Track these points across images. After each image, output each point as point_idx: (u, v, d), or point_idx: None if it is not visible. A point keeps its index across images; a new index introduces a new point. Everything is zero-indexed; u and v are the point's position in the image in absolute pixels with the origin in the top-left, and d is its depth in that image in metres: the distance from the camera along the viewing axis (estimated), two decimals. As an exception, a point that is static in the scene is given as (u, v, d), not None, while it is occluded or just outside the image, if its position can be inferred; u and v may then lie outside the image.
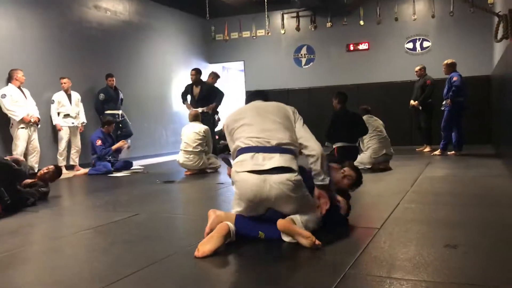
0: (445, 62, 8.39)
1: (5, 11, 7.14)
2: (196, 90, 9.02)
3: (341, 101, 6.51)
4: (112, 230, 3.53)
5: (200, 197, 5.33)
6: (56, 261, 2.86)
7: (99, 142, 7.50)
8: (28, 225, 3.87)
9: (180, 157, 6.91)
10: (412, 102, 9.04)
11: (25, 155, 6.92)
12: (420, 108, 8.89)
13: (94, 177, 7.11)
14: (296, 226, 2.78)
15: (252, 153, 2.82)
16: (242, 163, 2.82)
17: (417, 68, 9.14)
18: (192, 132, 6.90)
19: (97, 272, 2.54)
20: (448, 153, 8.17)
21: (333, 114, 6.59)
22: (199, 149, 6.84)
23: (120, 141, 7.87)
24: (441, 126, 8.33)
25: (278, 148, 2.83)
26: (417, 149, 9.26)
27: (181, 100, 9.24)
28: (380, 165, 6.49)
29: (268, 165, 2.75)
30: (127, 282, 2.33)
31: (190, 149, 6.81)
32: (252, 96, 3.39)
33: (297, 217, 2.85)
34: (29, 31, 7.50)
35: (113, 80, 8.55)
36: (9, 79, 6.87)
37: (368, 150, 6.58)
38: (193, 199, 5.29)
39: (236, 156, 2.91)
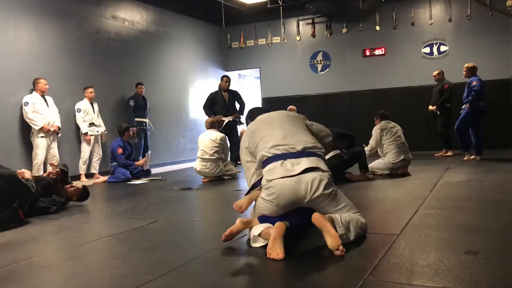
0: (466, 65, 8.30)
1: (27, 23, 7.31)
2: (226, 96, 9.03)
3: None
4: (131, 237, 3.56)
5: (218, 204, 5.35)
6: (77, 268, 2.90)
7: (120, 151, 7.57)
8: (49, 232, 3.94)
9: (197, 165, 6.96)
10: (430, 107, 8.97)
11: (44, 163, 7.04)
12: (438, 112, 8.81)
13: (113, 185, 7.19)
14: (328, 223, 2.75)
15: (280, 161, 2.92)
16: (272, 171, 2.91)
17: (435, 72, 9.08)
18: (208, 139, 6.94)
19: (117, 279, 2.57)
20: (465, 158, 8.05)
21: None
22: (215, 157, 6.87)
23: (143, 159, 7.87)
24: (455, 128, 8.23)
25: (304, 153, 2.95)
26: (435, 154, 9.16)
27: (207, 113, 8.89)
28: (398, 171, 6.44)
29: (298, 170, 2.86)
30: (146, 288, 2.36)
31: (207, 156, 6.85)
32: (256, 112, 3.56)
33: (337, 216, 2.86)
34: (49, 42, 7.65)
35: (142, 88, 8.74)
36: (34, 87, 7.03)
37: (386, 155, 6.53)
38: (211, 206, 5.31)
39: (263, 166, 3.01)
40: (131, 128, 7.95)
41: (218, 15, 10.62)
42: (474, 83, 7.97)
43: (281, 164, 2.90)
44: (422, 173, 6.54)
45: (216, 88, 10.02)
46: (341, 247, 2.67)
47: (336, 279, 2.39)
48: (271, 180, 2.89)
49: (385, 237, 3.09)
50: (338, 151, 5.88)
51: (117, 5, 9.12)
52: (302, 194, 2.85)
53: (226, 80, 9.03)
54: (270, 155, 2.98)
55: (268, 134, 3.11)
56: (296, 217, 2.98)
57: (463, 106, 8.14)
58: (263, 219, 3.01)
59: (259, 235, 2.92)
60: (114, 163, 7.63)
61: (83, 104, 7.80)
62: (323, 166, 2.96)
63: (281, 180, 2.85)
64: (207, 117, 8.28)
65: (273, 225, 2.86)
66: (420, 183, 5.64)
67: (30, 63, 7.28)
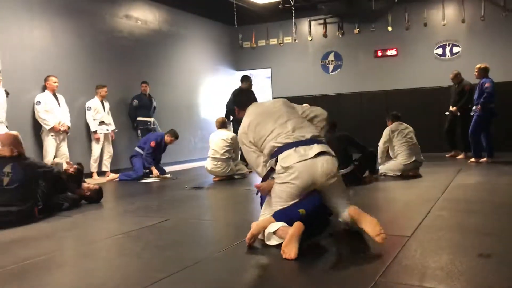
0: (478, 66, 8.20)
1: (42, 22, 7.38)
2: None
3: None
4: (143, 235, 3.59)
5: (229, 203, 5.37)
6: (89, 265, 2.93)
7: (153, 144, 7.58)
8: (62, 229, 3.98)
9: (208, 164, 6.98)
10: (451, 108, 8.88)
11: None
12: (458, 114, 8.72)
13: (125, 183, 7.23)
14: (365, 213, 2.97)
15: (293, 148, 3.06)
16: (287, 157, 3.05)
17: (452, 74, 8.96)
18: (219, 139, 6.96)
19: (129, 277, 2.60)
20: (480, 160, 7.98)
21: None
22: (226, 156, 6.89)
23: (158, 174, 7.64)
24: (469, 132, 8.13)
25: (314, 140, 3.14)
26: (447, 155, 9.08)
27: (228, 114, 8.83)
28: (410, 172, 6.41)
29: (311, 153, 3.04)
30: (158, 286, 2.38)
31: (218, 156, 6.87)
32: (243, 100, 3.64)
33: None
34: (63, 41, 7.72)
35: (146, 87, 8.74)
36: (45, 85, 7.12)
37: (398, 157, 6.50)
38: (222, 205, 5.33)
39: (274, 156, 3.12)
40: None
41: (230, 15, 10.64)
42: (487, 85, 7.87)
43: (294, 150, 3.05)
44: (434, 174, 6.50)
45: (228, 88, 10.08)
46: (382, 231, 2.81)
47: (348, 281, 2.39)
48: (287, 167, 3.02)
49: (397, 239, 3.08)
50: (352, 166, 5.83)
51: (130, 4, 9.18)
52: (319, 173, 3.02)
53: (251, 80, 8.98)
54: (281, 145, 3.11)
55: (275, 129, 3.22)
56: (308, 203, 3.04)
57: (474, 108, 8.04)
58: (279, 214, 3.01)
59: (274, 233, 2.94)
60: (136, 156, 7.68)
61: (94, 103, 7.86)
62: (331, 151, 3.17)
63: (296, 164, 3.01)
64: (217, 117, 8.28)
65: (289, 223, 2.89)
66: (431, 185, 5.61)
67: (43, 61, 7.35)
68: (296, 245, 2.73)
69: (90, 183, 5.36)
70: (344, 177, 5.00)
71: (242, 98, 3.70)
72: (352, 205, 3.13)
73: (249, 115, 3.41)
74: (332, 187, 3.10)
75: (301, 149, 3.06)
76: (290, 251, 2.70)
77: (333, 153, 3.17)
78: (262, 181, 3.27)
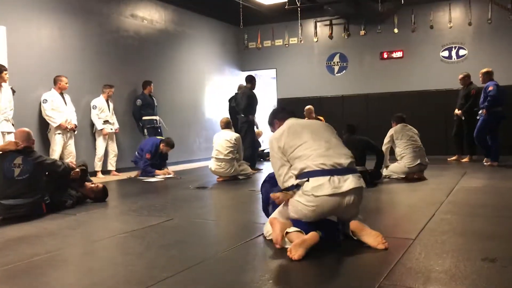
0: (482, 70, 8.19)
1: (49, 21, 7.42)
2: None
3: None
4: (147, 234, 3.60)
5: (232, 203, 5.37)
6: (93, 263, 2.94)
7: (148, 156, 7.64)
8: (67, 227, 3.99)
9: (212, 165, 6.99)
10: (456, 111, 8.83)
11: (61, 159, 7.13)
12: (463, 118, 8.66)
13: (128, 182, 7.25)
14: (366, 226, 3.05)
15: (328, 177, 2.95)
16: (320, 187, 2.93)
17: (461, 76, 8.91)
18: (223, 139, 6.96)
19: (132, 276, 2.60)
20: (485, 163, 7.95)
21: None
22: (230, 157, 6.89)
23: (164, 171, 7.79)
24: (474, 136, 8.09)
25: (349, 169, 3.05)
26: (448, 159, 9.03)
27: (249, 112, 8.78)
28: (414, 175, 6.39)
29: (345, 187, 2.95)
30: (162, 286, 2.38)
31: (222, 156, 6.87)
32: (284, 113, 3.54)
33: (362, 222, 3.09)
34: (70, 39, 7.75)
35: (151, 87, 8.77)
36: (54, 84, 7.13)
37: (402, 159, 6.48)
38: (225, 205, 5.33)
39: (306, 177, 2.99)
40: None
41: (236, 15, 10.65)
42: (490, 88, 7.82)
43: (329, 180, 2.94)
44: (439, 177, 6.48)
45: (233, 88, 10.05)
46: (384, 240, 2.90)
47: (352, 283, 2.38)
48: (317, 197, 2.93)
49: (401, 242, 3.07)
50: (365, 168, 5.92)
51: (136, 4, 9.21)
52: (343, 207, 2.99)
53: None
54: (317, 168, 2.99)
55: (308, 141, 3.12)
56: (327, 228, 3.07)
57: (480, 112, 8.01)
58: (296, 222, 3.04)
59: (287, 234, 2.93)
60: (137, 158, 7.80)
61: (99, 102, 7.89)
62: (363, 183, 3.10)
63: (327, 197, 2.93)
64: (222, 117, 8.28)
65: (305, 232, 2.91)
66: (436, 188, 5.59)
67: (51, 60, 7.38)
68: (304, 250, 2.74)
69: (95, 184, 5.36)
70: None
71: (280, 112, 3.62)
72: (356, 218, 3.13)
73: (289, 123, 3.34)
74: (348, 213, 3.09)
75: (335, 179, 2.95)
76: (296, 252, 2.71)
77: (363, 183, 3.10)
78: (279, 191, 3.20)
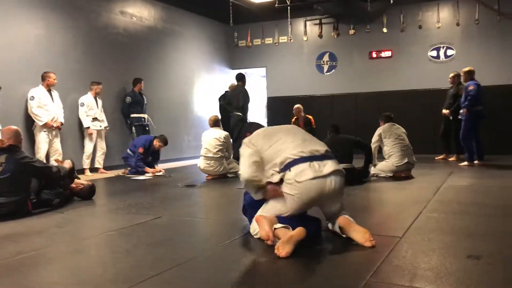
0: (464, 69, 8.21)
1: (35, 16, 7.34)
2: None
3: None
4: (135, 232, 3.59)
5: (221, 201, 5.37)
6: (80, 261, 2.92)
7: (141, 150, 7.59)
8: (54, 225, 3.96)
9: (201, 163, 6.97)
10: (444, 111, 8.85)
11: (47, 157, 7.08)
12: (451, 117, 8.69)
13: (117, 179, 7.22)
14: (354, 223, 3.08)
15: (308, 163, 3.03)
16: (302, 173, 3.00)
17: (451, 75, 8.91)
18: (212, 138, 6.95)
19: (120, 273, 2.59)
20: (473, 163, 8.00)
21: None
22: (219, 155, 6.88)
23: (155, 170, 7.74)
24: (460, 137, 8.11)
25: (327, 156, 3.16)
26: (436, 158, 9.10)
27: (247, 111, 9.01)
28: (402, 173, 6.44)
29: (326, 170, 3.04)
30: (149, 284, 2.37)
31: (211, 154, 6.86)
32: (255, 126, 3.79)
33: (350, 218, 3.13)
34: (57, 35, 7.68)
35: (141, 85, 8.73)
36: (42, 81, 7.06)
37: (390, 158, 6.53)
38: (214, 204, 5.33)
39: (288, 167, 3.05)
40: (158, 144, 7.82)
41: (226, 13, 10.63)
42: (470, 88, 7.81)
43: (309, 165, 3.02)
44: (426, 176, 6.54)
45: (223, 86, 10.01)
46: (371, 238, 2.92)
47: (339, 281, 2.40)
48: (300, 182, 2.98)
49: (388, 239, 3.10)
50: (352, 166, 5.98)
51: (125, 0, 9.15)
52: (325, 192, 3.03)
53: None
54: (297, 157, 3.07)
55: (284, 138, 3.22)
56: (310, 226, 3.09)
57: (461, 111, 8.02)
58: (282, 219, 3.06)
59: (274, 230, 2.95)
60: (128, 155, 7.77)
61: (87, 99, 7.83)
62: (342, 170, 3.20)
63: (310, 181, 2.99)
64: (211, 115, 8.26)
65: (292, 228, 2.93)
66: (423, 187, 5.64)
67: (37, 56, 7.31)
68: (292, 246, 2.75)
69: (83, 182, 5.31)
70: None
71: (254, 126, 3.77)
72: (344, 214, 3.16)
73: (261, 129, 3.48)
74: (330, 203, 3.14)
75: (315, 164, 3.03)
76: (283, 249, 2.72)
77: (343, 171, 3.19)
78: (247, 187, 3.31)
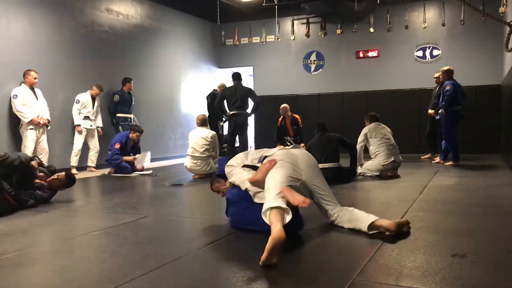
0: (443, 68, 8.19)
1: (19, 13, 7.23)
2: None
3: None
4: (121, 232, 3.55)
5: (208, 201, 5.34)
6: (65, 261, 2.88)
7: (117, 146, 7.52)
8: (38, 225, 3.91)
9: (188, 162, 6.94)
10: (429, 111, 8.80)
11: (34, 156, 6.98)
12: (437, 117, 8.70)
13: (103, 179, 7.15)
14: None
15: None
16: (284, 148, 3.58)
17: (436, 74, 8.88)
18: (199, 137, 6.93)
19: (106, 273, 2.56)
20: (446, 163, 8.00)
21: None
22: (206, 154, 6.86)
23: (132, 157, 7.66)
24: (444, 138, 8.13)
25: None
26: (422, 157, 9.16)
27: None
28: (388, 173, 6.48)
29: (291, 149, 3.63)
30: (136, 283, 2.35)
31: (197, 154, 6.83)
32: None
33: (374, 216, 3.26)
34: (42, 33, 7.59)
35: (131, 85, 8.68)
36: (23, 79, 6.97)
37: (376, 157, 6.57)
38: (201, 203, 5.31)
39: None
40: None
41: (213, 11, 10.60)
42: (447, 88, 7.75)
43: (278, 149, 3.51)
44: (412, 175, 6.59)
45: (210, 85, 9.94)
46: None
47: (325, 279, 2.40)
48: (270, 155, 3.44)
49: (374, 238, 3.11)
50: (339, 164, 6.08)
51: (111, -2, 9.07)
52: (305, 159, 3.39)
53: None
54: (270, 153, 3.52)
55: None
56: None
57: (439, 111, 8.02)
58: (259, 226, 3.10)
59: (271, 209, 2.80)
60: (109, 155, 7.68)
61: (83, 97, 7.84)
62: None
63: (279, 151, 3.45)
64: (198, 113, 8.21)
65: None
66: (409, 186, 5.69)
67: (22, 54, 7.21)
68: (276, 257, 2.54)
69: (57, 175, 4.98)
70: (329, 170, 5.34)
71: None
72: (345, 207, 3.43)
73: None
74: (318, 183, 3.36)
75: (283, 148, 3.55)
76: (269, 262, 2.52)
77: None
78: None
